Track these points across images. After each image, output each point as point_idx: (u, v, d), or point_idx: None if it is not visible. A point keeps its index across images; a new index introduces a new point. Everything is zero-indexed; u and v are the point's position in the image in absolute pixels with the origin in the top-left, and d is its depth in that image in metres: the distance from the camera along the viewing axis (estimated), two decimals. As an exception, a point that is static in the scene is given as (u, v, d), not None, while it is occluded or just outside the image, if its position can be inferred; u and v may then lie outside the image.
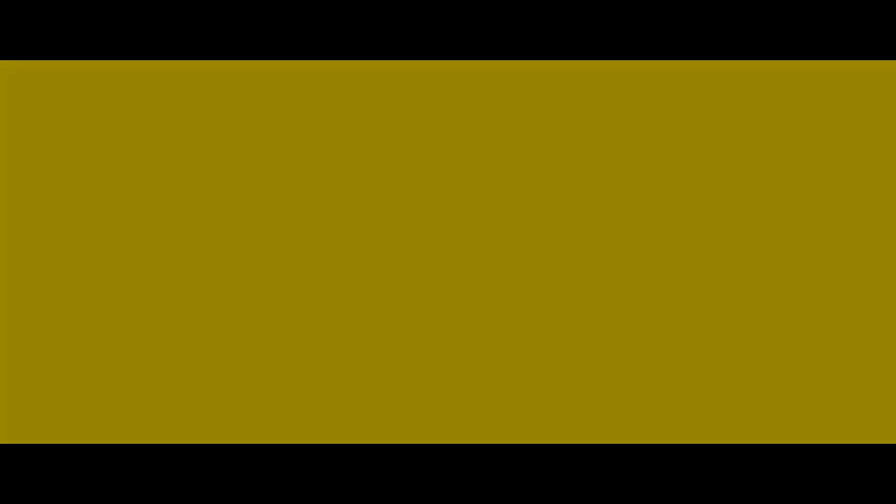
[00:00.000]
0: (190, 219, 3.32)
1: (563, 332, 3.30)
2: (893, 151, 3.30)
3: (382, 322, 3.31)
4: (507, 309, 3.30)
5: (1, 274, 3.30)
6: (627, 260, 3.30)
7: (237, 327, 3.31)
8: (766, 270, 3.30)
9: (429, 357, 3.31)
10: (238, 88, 3.33)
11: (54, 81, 3.32)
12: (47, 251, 3.31)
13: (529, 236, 3.31)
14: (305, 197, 3.32)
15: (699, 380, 3.29)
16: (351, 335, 3.31)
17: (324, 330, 3.30)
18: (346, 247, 3.32)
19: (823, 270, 3.29)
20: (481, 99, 3.32)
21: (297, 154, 3.33)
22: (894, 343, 3.27)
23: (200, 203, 3.32)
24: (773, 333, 3.29)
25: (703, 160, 3.31)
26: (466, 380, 3.30)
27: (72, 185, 3.32)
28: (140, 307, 3.31)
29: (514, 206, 3.31)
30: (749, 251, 3.30)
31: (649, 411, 3.29)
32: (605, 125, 3.31)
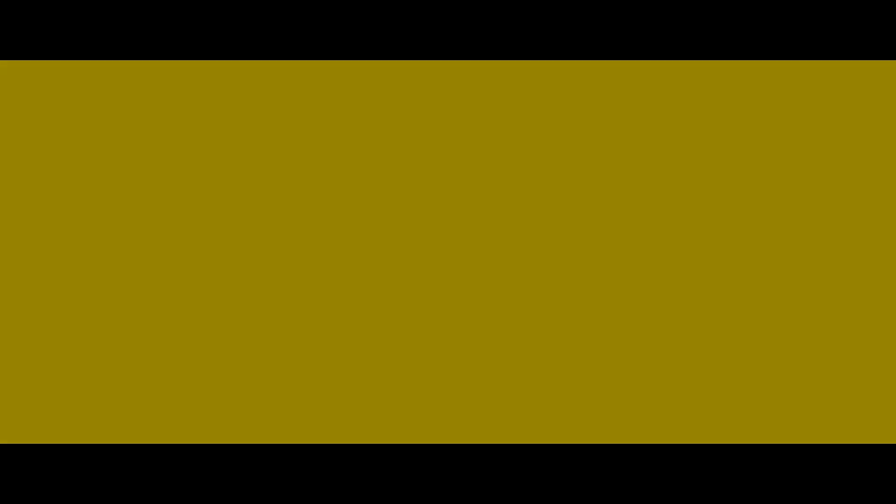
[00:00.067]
0: (190, 219, 3.32)
1: (563, 332, 3.30)
2: (893, 151, 3.30)
3: (382, 322, 3.31)
4: (508, 309, 3.30)
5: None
6: (627, 260, 3.30)
7: (237, 327, 3.31)
8: (766, 270, 3.30)
9: (429, 357, 3.31)
10: (238, 88, 3.33)
11: (54, 81, 3.32)
12: (47, 251, 3.31)
13: (529, 236, 3.31)
14: (305, 197, 3.32)
15: (699, 380, 3.29)
16: (351, 335, 3.31)
17: (324, 330, 3.31)
18: (346, 247, 3.32)
19: (823, 270, 3.29)
20: (481, 99, 3.32)
21: (297, 154, 3.33)
22: (894, 343, 3.28)
23: (200, 203, 3.32)
24: (773, 333, 3.29)
25: (703, 160, 3.31)
26: (466, 380, 3.30)
27: (72, 185, 3.32)
28: (139, 307, 3.31)
29: (514, 205, 3.31)
30: (749, 251, 3.30)
31: (649, 411, 3.29)
32: (605, 125, 3.32)
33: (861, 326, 3.28)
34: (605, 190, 3.31)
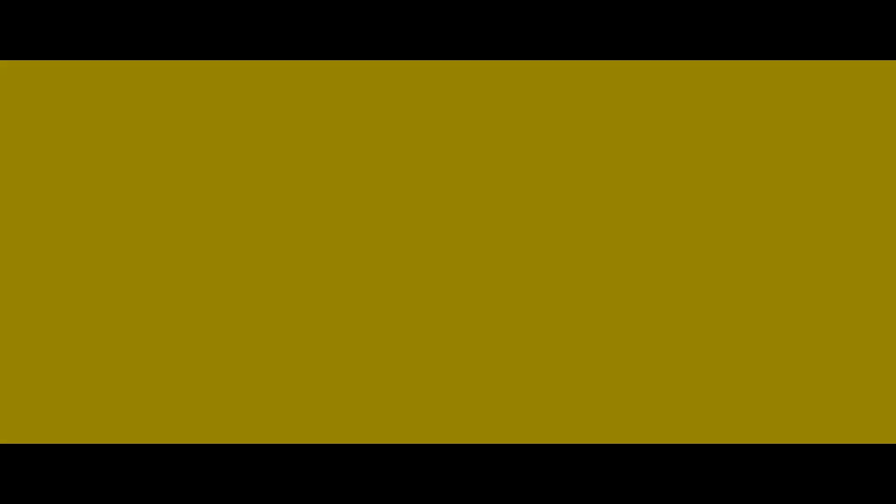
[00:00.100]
0: (190, 219, 3.32)
1: (563, 332, 3.30)
2: (893, 151, 3.30)
3: (382, 322, 3.31)
4: (508, 309, 3.30)
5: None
6: (627, 260, 3.30)
7: (237, 327, 3.31)
8: (766, 270, 3.30)
9: (429, 357, 3.31)
10: (238, 88, 3.33)
11: (54, 81, 3.32)
12: (47, 251, 3.31)
13: (529, 236, 3.31)
14: (305, 197, 3.32)
15: (699, 380, 3.29)
16: (351, 335, 3.31)
17: (324, 330, 3.31)
18: (346, 246, 3.32)
19: (823, 270, 3.29)
20: (481, 99, 3.32)
21: (297, 154, 3.33)
22: (894, 343, 3.28)
23: (200, 203, 3.32)
24: (773, 333, 3.29)
25: (703, 160, 3.31)
26: (466, 380, 3.30)
27: (72, 185, 3.32)
28: (139, 307, 3.31)
29: (514, 205, 3.31)
30: (749, 251, 3.30)
31: (649, 411, 3.29)
32: (605, 125, 3.32)
33: (861, 326, 3.28)
34: (606, 190, 3.31)
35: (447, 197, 3.32)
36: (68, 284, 3.30)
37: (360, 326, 3.31)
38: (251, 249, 3.32)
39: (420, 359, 3.31)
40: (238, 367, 3.31)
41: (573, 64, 3.32)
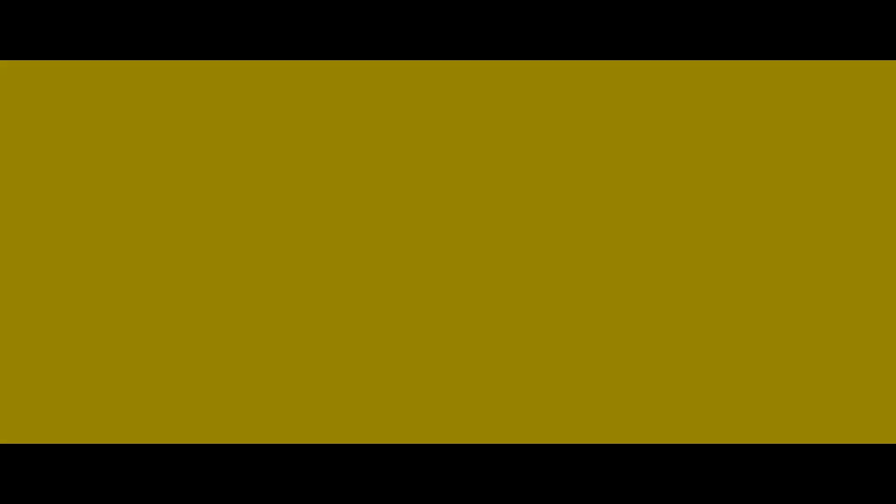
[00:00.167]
0: (190, 219, 3.32)
1: (563, 332, 3.30)
2: (893, 151, 3.30)
3: (382, 322, 3.31)
4: (507, 309, 3.30)
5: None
6: (627, 260, 3.30)
7: (237, 327, 3.31)
8: (766, 270, 3.30)
9: (429, 357, 3.31)
10: (238, 88, 3.33)
11: (54, 81, 3.32)
12: (47, 251, 3.31)
13: (529, 236, 3.31)
14: (305, 197, 3.32)
15: (699, 380, 3.29)
16: (351, 335, 3.31)
17: (324, 330, 3.31)
18: (346, 246, 3.32)
19: (823, 270, 3.29)
20: (481, 99, 3.32)
21: (297, 154, 3.33)
22: (894, 343, 3.28)
23: (200, 203, 3.32)
24: (773, 333, 3.29)
25: (704, 160, 3.31)
26: (466, 380, 3.30)
27: (72, 185, 3.32)
28: (139, 307, 3.31)
29: (514, 205, 3.31)
30: (749, 251, 3.30)
31: (649, 411, 3.29)
32: (605, 125, 3.32)
33: (861, 326, 3.28)
34: (606, 190, 3.31)
35: (447, 197, 3.32)
36: (68, 284, 3.30)
37: (360, 326, 3.31)
38: (251, 249, 3.32)
39: (420, 359, 3.31)
40: (238, 367, 3.31)
41: (573, 64, 3.32)
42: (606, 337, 3.29)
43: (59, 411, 3.30)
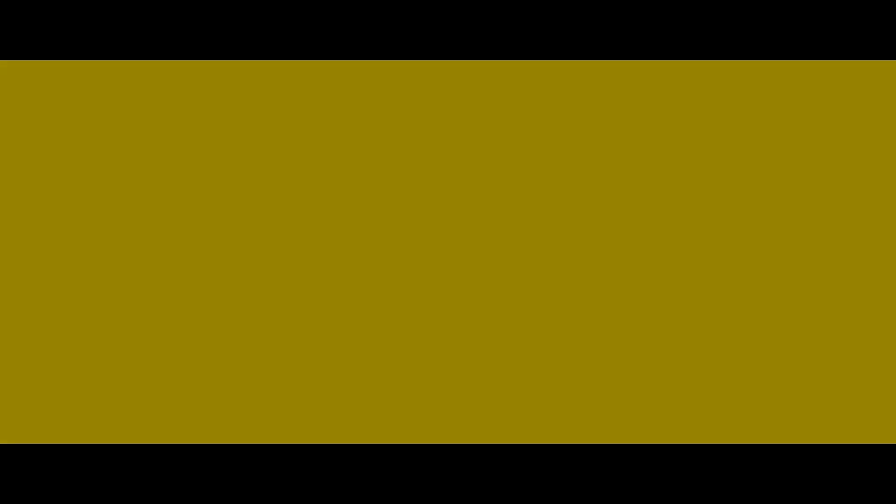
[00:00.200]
0: (190, 219, 3.32)
1: (563, 332, 3.30)
2: (893, 151, 3.30)
3: (382, 322, 3.31)
4: (507, 309, 3.30)
5: None
6: (627, 260, 3.30)
7: (237, 327, 3.31)
8: (766, 270, 3.30)
9: (429, 357, 3.31)
10: (238, 88, 3.33)
11: (54, 81, 3.32)
12: (47, 251, 3.31)
13: (529, 236, 3.31)
14: (305, 197, 3.32)
15: (699, 380, 3.29)
16: (351, 335, 3.31)
17: (324, 330, 3.31)
18: (345, 246, 3.32)
19: (823, 270, 3.29)
20: (481, 99, 3.32)
21: (297, 154, 3.33)
22: (894, 343, 3.27)
23: (200, 203, 3.32)
24: (773, 333, 3.29)
25: (703, 160, 3.31)
26: (466, 380, 3.30)
27: (72, 185, 3.32)
28: (139, 307, 3.31)
29: (514, 205, 3.31)
30: (749, 251, 3.30)
31: (649, 411, 3.29)
32: (605, 125, 3.32)
33: (861, 326, 3.28)
34: (606, 190, 3.31)
35: (447, 197, 3.32)
36: (68, 284, 3.30)
37: (360, 326, 3.31)
38: (251, 249, 3.32)
39: (420, 359, 3.31)
40: (238, 367, 3.31)
41: (573, 64, 3.32)
42: (606, 337, 3.30)
43: (59, 411, 3.30)
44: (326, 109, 3.33)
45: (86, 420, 3.30)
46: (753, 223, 3.30)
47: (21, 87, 3.32)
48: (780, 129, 3.31)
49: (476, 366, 3.30)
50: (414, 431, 3.31)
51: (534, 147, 3.32)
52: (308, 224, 3.32)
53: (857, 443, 3.27)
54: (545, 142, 3.32)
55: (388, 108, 3.33)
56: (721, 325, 3.29)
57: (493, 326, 3.30)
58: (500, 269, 3.31)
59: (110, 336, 3.30)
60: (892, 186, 3.29)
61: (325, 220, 3.32)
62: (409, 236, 3.32)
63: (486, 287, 3.31)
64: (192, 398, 3.30)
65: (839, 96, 3.30)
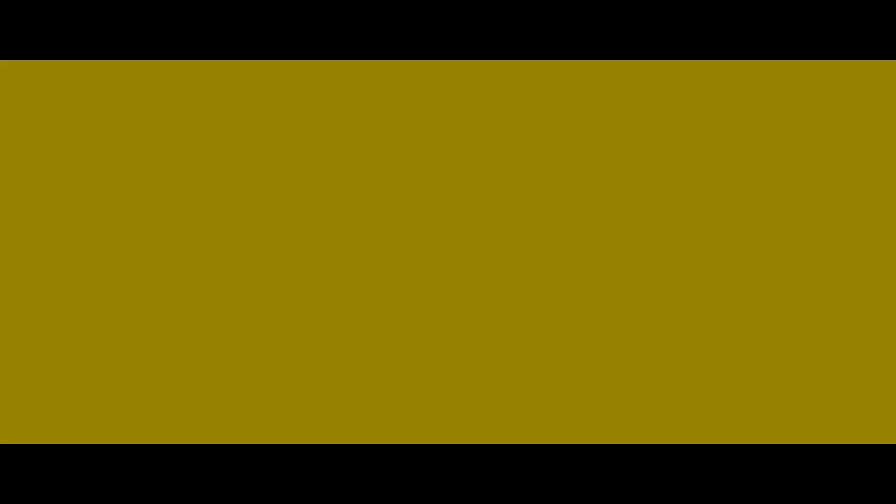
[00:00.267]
0: (190, 219, 3.32)
1: (563, 332, 3.30)
2: (893, 151, 3.30)
3: (382, 322, 3.31)
4: (507, 309, 3.30)
5: None
6: (627, 260, 3.30)
7: (237, 327, 3.31)
8: (766, 270, 3.30)
9: (429, 357, 3.31)
10: (238, 88, 3.33)
11: (54, 81, 3.32)
12: (47, 251, 3.31)
13: (529, 236, 3.31)
14: (305, 197, 3.32)
15: (699, 380, 3.29)
16: (351, 335, 3.31)
17: (324, 330, 3.30)
18: (345, 247, 3.32)
19: (823, 270, 3.29)
20: (481, 99, 3.32)
21: (297, 154, 3.33)
22: (894, 343, 3.27)
23: (200, 203, 3.32)
24: (773, 333, 3.29)
25: (703, 160, 3.31)
26: (466, 380, 3.30)
27: (72, 185, 3.32)
28: (139, 307, 3.30)
29: (514, 205, 3.31)
30: (749, 251, 3.30)
31: (649, 411, 3.29)
32: (605, 125, 3.32)
33: (861, 326, 3.28)
34: (605, 190, 3.31)
35: (447, 197, 3.32)
36: (68, 284, 3.30)
37: (360, 326, 3.31)
38: (251, 249, 3.32)
39: (420, 359, 3.31)
40: (238, 367, 3.31)
41: (573, 64, 3.32)
42: (606, 337, 3.29)
43: (59, 411, 3.30)
44: (326, 109, 3.33)
45: (86, 420, 3.30)
46: (753, 223, 3.30)
47: (21, 87, 3.32)
48: (780, 129, 3.31)
49: (476, 366, 3.30)
50: (414, 431, 3.31)
51: (534, 147, 3.32)
52: (308, 224, 3.32)
53: (857, 443, 3.27)
54: (545, 142, 3.32)
55: (388, 108, 3.33)
56: (721, 326, 3.29)
57: (492, 326, 3.30)
58: (500, 269, 3.31)
59: (110, 336, 3.30)
60: (892, 186, 3.29)
61: (325, 220, 3.32)
62: (409, 236, 3.32)
63: (486, 287, 3.31)
64: (192, 398, 3.30)
65: (839, 96, 3.30)
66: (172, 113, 3.33)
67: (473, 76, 3.32)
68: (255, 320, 3.31)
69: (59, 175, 3.32)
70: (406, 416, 3.31)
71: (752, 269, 3.30)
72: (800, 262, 3.30)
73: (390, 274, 3.31)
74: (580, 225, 3.31)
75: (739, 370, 3.29)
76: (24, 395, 3.30)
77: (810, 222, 3.30)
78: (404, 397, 3.31)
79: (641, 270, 3.30)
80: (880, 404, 3.28)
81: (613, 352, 3.30)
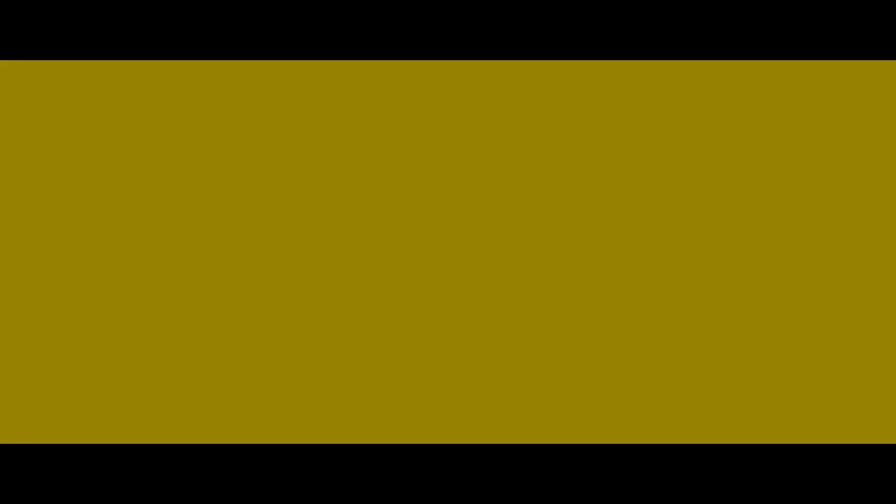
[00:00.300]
0: (190, 219, 3.32)
1: (563, 332, 3.30)
2: (893, 151, 3.30)
3: (382, 322, 3.31)
4: (507, 309, 3.30)
5: None
6: (627, 260, 3.30)
7: (237, 327, 3.31)
8: (766, 270, 3.30)
9: (429, 357, 3.31)
10: (238, 88, 3.33)
11: (54, 81, 3.32)
12: (47, 251, 3.31)
13: (529, 236, 3.31)
14: (305, 197, 3.32)
15: (699, 380, 3.29)
16: (351, 335, 3.31)
17: (324, 330, 3.30)
18: (345, 247, 3.32)
19: (823, 270, 3.29)
20: (481, 99, 3.32)
21: (297, 154, 3.33)
22: (894, 343, 3.28)
23: (200, 203, 3.32)
24: (773, 333, 3.29)
25: (703, 160, 3.31)
26: (466, 380, 3.30)
27: (72, 185, 3.32)
28: (139, 307, 3.30)
29: (513, 205, 3.31)
30: (749, 251, 3.30)
31: (649, 411, 3.29)
32: (605, 125, 3.32)
33: (861, 326, 3.28)
34: (606, 190, 3.31)
35: (447, 197, 3.32)
36: (68, 284, 3.30)
37: (359, 326, 3.31)
38: (251, 249, 3.32)
39: (420, 359, 3.31)
40: (238, 367, 3.31)
41: (573, 64, 3.32)
42: (606, 337, 3.29)
43: (59, 411, 3.30)
44: (326, 109, 3.33)
45: (86, 420, 3.30)
46: (753, 223, 3.30)
47: (21, 87, 3.32)
48: (780, 129, 3.31)
49: (476, 366, 3.30)
50: (414, 431, 3.31)
51: (534, 147, 3.32)
52: (308, 224, 3.32)
53: (857, 443, 3.27)
54: (545, 142, 3.32)
55: (388, 108, 3.33)
56: (721, 326, 3.29)
57: (492, 326, 3.30)
58: (499, 269, 3.31)
59: (110, 336, 3.30)
60: (892, 186, 3.29)
61: (325, 220, 3.32)
62: (409, 236, 3.32)
63: (486, 287, 3.31)
64: (192, 398, 3.30)
65: (839, 96, 3.30)
66: (172, 113, 3.33)
67: (473, 76, 3.32)
68: (254, 320, 3.31)
69: (60, 175, 3.32)
70: (406, 416, 3.31)
71: (752, 269, 3.30)
72: (800, 262, 3.30)
73: (390, 274, 3.31)
74: (580, 225, 3.31)
75: (739, 370, 3.29)
76: (24, 395, 3.30)
77: (810, 222, 3.30)
78: (404, 397, 3.31)
79: (641, 270, 3.30)
80: (880, 404, 3.28)
81: (613, 352, 3.30)
